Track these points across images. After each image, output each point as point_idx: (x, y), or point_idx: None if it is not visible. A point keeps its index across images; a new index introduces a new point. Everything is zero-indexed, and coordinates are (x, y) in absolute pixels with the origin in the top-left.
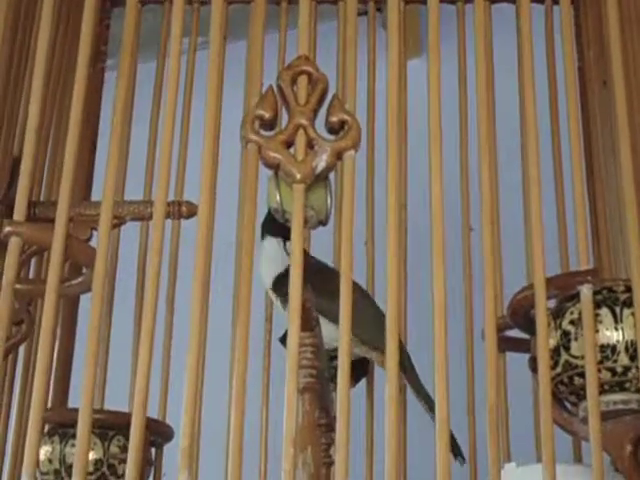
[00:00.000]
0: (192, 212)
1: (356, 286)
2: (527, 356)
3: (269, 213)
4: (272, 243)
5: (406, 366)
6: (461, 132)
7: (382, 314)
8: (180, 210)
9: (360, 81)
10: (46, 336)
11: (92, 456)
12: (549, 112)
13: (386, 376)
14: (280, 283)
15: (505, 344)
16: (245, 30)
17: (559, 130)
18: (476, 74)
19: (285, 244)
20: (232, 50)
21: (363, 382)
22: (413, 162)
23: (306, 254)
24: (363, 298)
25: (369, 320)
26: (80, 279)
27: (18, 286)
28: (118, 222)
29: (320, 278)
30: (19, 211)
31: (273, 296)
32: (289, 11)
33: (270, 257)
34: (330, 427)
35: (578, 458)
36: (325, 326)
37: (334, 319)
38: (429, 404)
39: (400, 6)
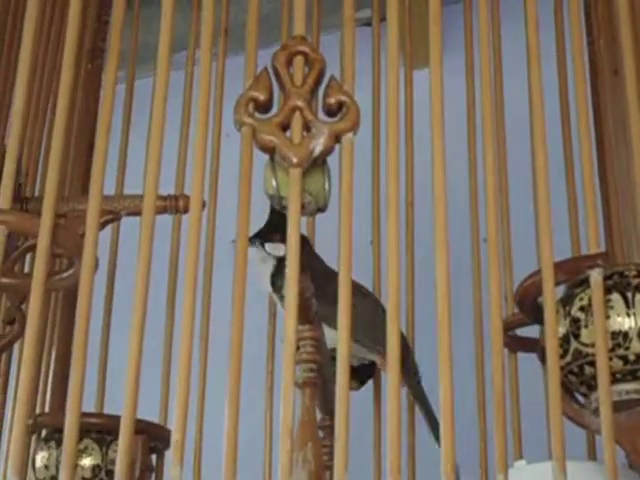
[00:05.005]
0: None
1: (356, 286)
2: None
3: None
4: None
5: (410, 373)
6: (468, 124)
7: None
8: (177, 204)
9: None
10: (32, 332)
11: (90, 462)
12: (559, 100)
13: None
14: (275, 280)
15: (517, 344)
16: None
17: (569, 117)
18: (481, 66)
19: (264, 246)
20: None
21: (370, 384)
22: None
23: (312, 254)
24: (364, 298)
25: (370, 322)
26: (70, 271)
27: (5, 280)
28: (113, 217)
29: (321, 281)
30: (5, 198)
31: (276, 298)
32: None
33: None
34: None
35: (592, 456)
36: (327, 332)
37: (335, 325)
38: (430, 420)
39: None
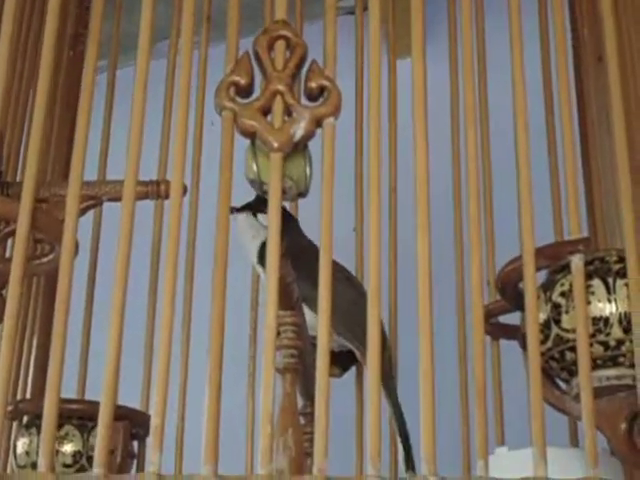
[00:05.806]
0: None
1: (339, 270)
2: None
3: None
4: (241, 219)
5: (386, 371)
6: (452, 112)
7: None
8: (159, 190)
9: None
10: (10, 315)
11: (71, 448)
12: (542, 87)
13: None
14: (263, 253)
15: (500, 331)
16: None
17: (553, 104)
18: (464, 54)
19: (256, 217)
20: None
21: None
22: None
23: (299, 232)
24: (346, 284)
25: (348, 312)
26: (51, 256)
27: None
28: (94, 202)
29: (305, 262)
30: None
31: (260, 270)
32: None
33: (245, 231)
34: None
35: (575, 442)
36: (308, 314)
37: (316, 308)
38: (400, 424)
39: None
